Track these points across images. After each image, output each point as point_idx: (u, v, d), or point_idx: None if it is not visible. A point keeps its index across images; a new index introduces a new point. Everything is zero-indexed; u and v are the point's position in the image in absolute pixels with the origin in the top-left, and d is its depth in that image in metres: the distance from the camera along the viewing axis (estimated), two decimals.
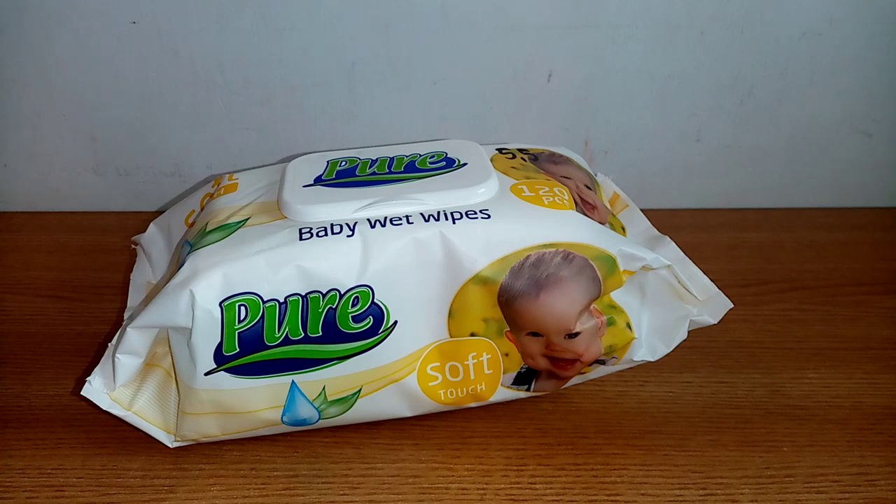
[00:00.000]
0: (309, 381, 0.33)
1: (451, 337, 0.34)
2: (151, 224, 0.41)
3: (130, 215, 0.55)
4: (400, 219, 0.33)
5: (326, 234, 0.32)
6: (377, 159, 0.37)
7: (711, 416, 0.38)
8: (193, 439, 0.35)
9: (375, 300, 0.32)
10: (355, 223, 0.33)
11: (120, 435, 0.36)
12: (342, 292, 0.32)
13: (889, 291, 0.48)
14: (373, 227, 0.33)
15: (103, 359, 0.34)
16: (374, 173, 0.36)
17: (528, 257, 0.33)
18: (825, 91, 0.53)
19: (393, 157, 0.37)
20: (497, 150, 0.39)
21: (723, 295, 0.36)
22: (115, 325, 0.43)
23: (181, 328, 0.32)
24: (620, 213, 0.41)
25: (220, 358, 0.32)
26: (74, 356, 0.41)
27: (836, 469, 0.35)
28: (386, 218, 0.33)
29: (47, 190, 0.55)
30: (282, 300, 0.32)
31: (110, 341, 0.34)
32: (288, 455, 0.35)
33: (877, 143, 0.55)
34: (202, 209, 0.38)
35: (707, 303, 0.36)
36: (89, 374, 0.33)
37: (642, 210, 0.41)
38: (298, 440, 0.36)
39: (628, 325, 0.35)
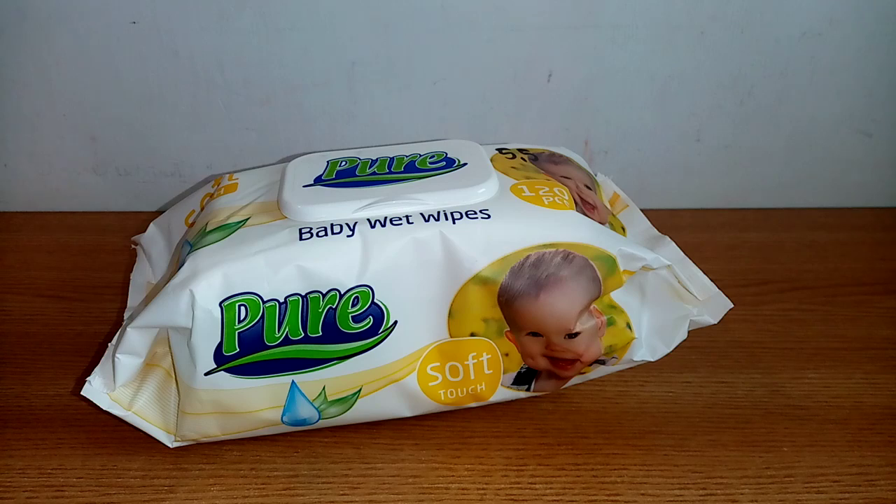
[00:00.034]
0: (309, 381, 0.33)
1: (451, 337, 0.34)
2: (151, 224, 0.41)
3: (130, 215, 0.55)
4: (400, 219, 0.33)
5: (326, 234, 0.32)
6: (377, 159, 0.37)
7: (711, 416, 0.38)
8: (193, 439, 0.35)
9: (375, 300, 0.32)
10: (355, 223, 0.33)
11: (120, 435, 0.36)
12: (342, 292, 0.32)
13: (889, 291, 0.48)
14: (373, 227, 0.33)
15: (103, 359, 0.34)
16: (374, 173, 0.36)
17: (528, 257, 0.33)
18: (825, 91, 0.53)
19: (393, 157, 0.37)
20: (497, 150, 0.39)
21: (723, 295, 0.36)
22: (115, 325, 0.43)
23: (181, 328, 0.32)
24: (620, 213, 0.41)
25: (220, 358, 0.32)
26: (74, 356, 0.41)
27: (836, 469, 0.35)
28: (386, 218, 0.33)
29: (47, 190, 0.55)
30: (282, 300, 0.32)
31: (110, 341, 0.34)
32: (288, 455, 0.35)
33: (877, 143, 0.55)
34: (202, 209, 0.38)
35: (707, 303, 0.36)
36: (89, 374, 0.33)
37: (642, 210, 0.41)
38: (298, 440, 0.36)
39: (628, 325, 0.35)
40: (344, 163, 0.37)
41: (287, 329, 0.32)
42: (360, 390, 0.34)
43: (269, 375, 0.33)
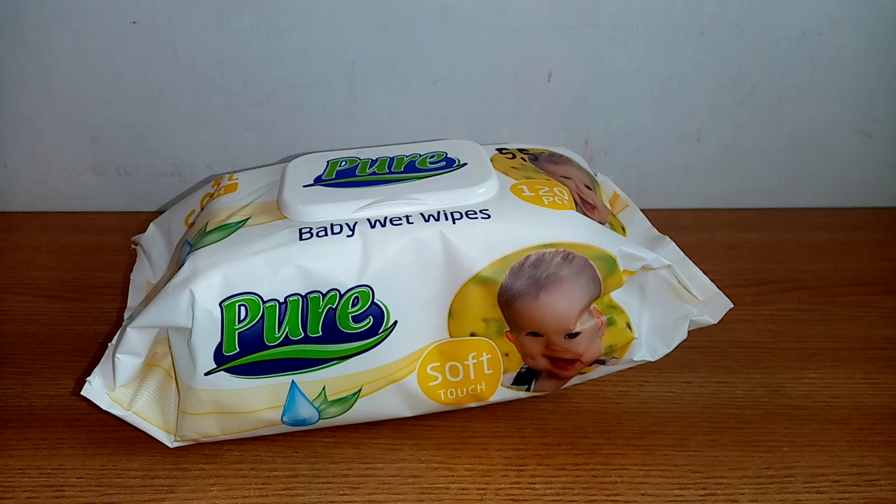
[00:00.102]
0: (309, 381, 0.33)
1: (451, 337, 0.34)
2: (151, 224, 0.41)
3: (130, 215, 0.55)
4: (400, 219, 0.33)
5: (326, 234, 0.32)
6: (377, 159, 0.37)
7: (711, 416, 0.38)
8: (193, 439, 0.35)
9: (375, 300, 0.32)
10: (355, 223, 0.33)
11: (120, 435, 0.36)
12: (342, 292, 0.32)
13: (889, 291, 0.48)
14: (373, 227, 0.33)
15: (103, 359, 0.34)
16: (374, 173, 0.36)
17: (528, 257, 0.33)
18: (825, 91, 0.53)
19: (393, 157, 0.37)
20: (497, 150, 0.39)
21: (723, 295, 0.36)
22: (115, 325, 0.43)
23: (181, 328, 0.32)
24: (620, 213, 0.41)
25: (220, 358, 0.32)
26: (74, 356, 0.41)
27: (836, 469, 0.35)
28: (386, 218, 0.33)
29: (47, 190, 0.55)
30: (282, 300, 0.32)
31: (110, 341, 0.34)
32: (288, 455, 0.35)
33: (877, 143, 0.55)
34: (202, 209, 0.38)
35: (707, 303, 0.36)
36: (89, 374, 0.33)
37: (642, 210, 0.41)
38: (298, 440, 0.36)
39: (628, 325, 0.35)
40: (344, 163, 0.37)
41: (287, 329, 0.32)
42: (360, 390, 0.34)
43: (269, 375, 0.33)
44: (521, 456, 0.35)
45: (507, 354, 0.35)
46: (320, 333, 0.32)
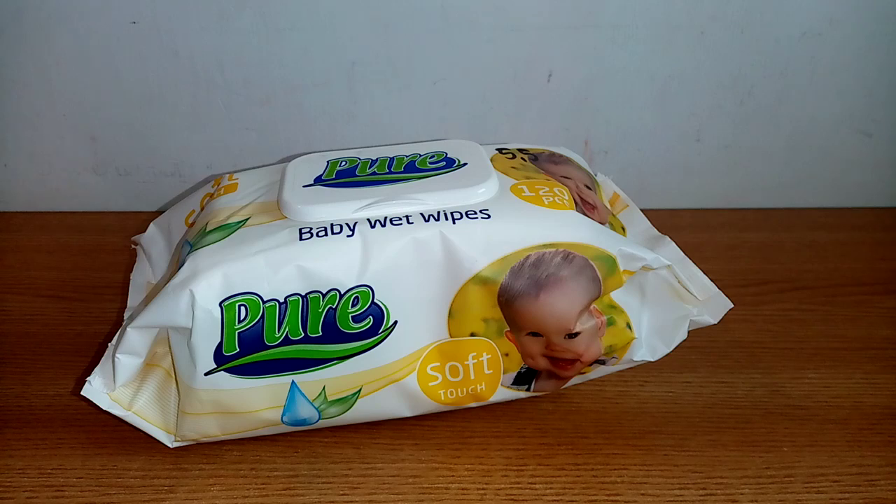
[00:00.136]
0: (309, 381, 0.33)
1: (451, 337, 0.34)
2: (151, 224, 0.41)
3: (130, 215, 0.55)
4: (400, 219, 0.33)
5: (326, 234, 0.32)
6: (377, 159, 0.37)
7: (711, 416, 0.38)
8: (193, 439, 0.35)
9: (375, 300, 0.32)
10: (355, 223, 0.33)
11: (120, 435, 0.36)
12: (342, 292, 0.32)
13: (889, 291, 0.48)
14: (373, 227, 0.33)
15: (103, 359, 0.34)
16: (374, 173, 0.36)
17: (528, 257, 0.33)
18: (825, 91, 0.53)
19: (393, 157, 0.37)
20: (497, 150, 0.39)
21: (723, 295, 0.36)
22: (115, 325, 0.43)
23: (181, 328, 0.32)
24: (620, 213, 0.41)
25: (220, 358, 0.32)
26: (74, 356, 0.41)
27: (836, 469, 0.35)
28: (386, 218, 0.33)
29: (47, 190, 0.55)
30: (282, 300, 0.32)
31: (110, 341, 0.34)
32: (288, 455, 0.35)
33: (877, 143, 0.55)
34: (202, 209, 0.38)
35: (707, 303, 0.36)
36: (89, 374, 0.33)
37: (642, 210, 0.41)
38: (298, 440, 0.36)
39: (628, 325, 0.35)
40: (344, 163, 0.37)
41: (287, 329, 0.32)
42: (360, 390, 0.34)
43: (269, 375, 0.33)
44: (521, 456, 0.35)
45: (507, 354, 0.35)
46: (320, 333, 0.32)
